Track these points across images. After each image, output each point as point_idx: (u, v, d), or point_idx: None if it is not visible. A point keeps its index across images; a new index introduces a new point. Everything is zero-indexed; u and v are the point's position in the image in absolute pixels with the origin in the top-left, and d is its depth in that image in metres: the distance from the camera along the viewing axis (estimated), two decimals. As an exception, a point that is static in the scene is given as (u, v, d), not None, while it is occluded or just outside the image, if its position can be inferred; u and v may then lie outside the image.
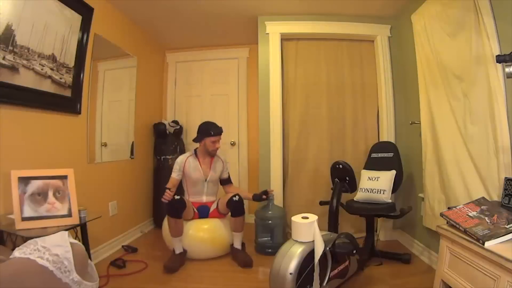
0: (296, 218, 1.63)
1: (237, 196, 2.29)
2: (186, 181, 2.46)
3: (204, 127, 2.44)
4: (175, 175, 2.43)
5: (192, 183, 2.44)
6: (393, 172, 2.26)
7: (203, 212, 2.43)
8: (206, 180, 2.45)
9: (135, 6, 2.60)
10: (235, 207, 2.29)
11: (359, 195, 2.33)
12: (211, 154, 2.48)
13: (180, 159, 2.45)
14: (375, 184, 2.27)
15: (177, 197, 2.22)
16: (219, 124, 2.48)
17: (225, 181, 2.61)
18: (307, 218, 1.62)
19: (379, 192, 2.23)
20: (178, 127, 3.37)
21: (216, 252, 2.36)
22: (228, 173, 2.63)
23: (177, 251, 2.24)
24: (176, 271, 2.11)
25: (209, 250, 2.34)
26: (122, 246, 2.55)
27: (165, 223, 2.36)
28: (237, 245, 2.33)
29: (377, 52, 2.83)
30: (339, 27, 2.81)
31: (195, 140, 2.48)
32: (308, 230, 1.57)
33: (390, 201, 2.21)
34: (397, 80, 2.78)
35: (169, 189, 2.25)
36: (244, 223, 2.37)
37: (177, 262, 2.17)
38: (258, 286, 1.93)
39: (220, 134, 2.45)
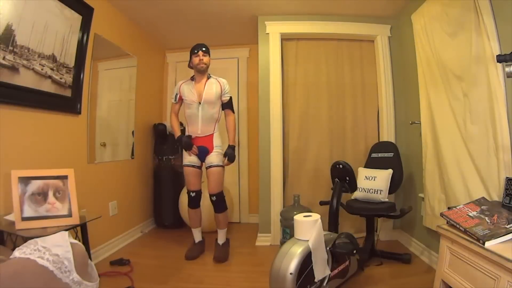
0: (299, 217, 1.63)
1: (214, 197, 2.34)
2: (184, 108, 2.42)
3: (190, 50, 2.41)
4: (173, 100, 2.48)
5: (187, 106, 2.38)
6: (390, 171, 2.27)
7: (201, 155, 2.38)
8: (200, 102, 2.33)
9: (135, 6, 2.60)
10: (216, 205, 2.37)
11: (357, 194, 2.35)
12: (200, 70, 2.36)
13: (177, 84, 2.47)
14: (372, 184, 2.29)
15: (192, 194, 2.39)
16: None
17: (224, 106, 2.44)
18: (310, 216, 1.62)
19: (376, 192, 2.24)
20: (178, 127, 3.37)
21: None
22: (230, 97, 2.45)
23: (197, 240, 2.48)
24: (195, 258, 2.35)
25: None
26: (110, 263, 2.22)
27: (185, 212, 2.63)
28: (220, 241, 2.43)
29: (377, 52, 2.83)
30: (339, 27, 2.81)
31: (188, 66, 2.47)
32: (311, 229, 1.56)
33: (387, 200, 2.22)
34: (397, 80, 2.78)
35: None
36: (228, 219, 2.50)
37: (197, 250, 2.42)
38: (258, 286, 1.93)
39: (203, 49, 2.35)
